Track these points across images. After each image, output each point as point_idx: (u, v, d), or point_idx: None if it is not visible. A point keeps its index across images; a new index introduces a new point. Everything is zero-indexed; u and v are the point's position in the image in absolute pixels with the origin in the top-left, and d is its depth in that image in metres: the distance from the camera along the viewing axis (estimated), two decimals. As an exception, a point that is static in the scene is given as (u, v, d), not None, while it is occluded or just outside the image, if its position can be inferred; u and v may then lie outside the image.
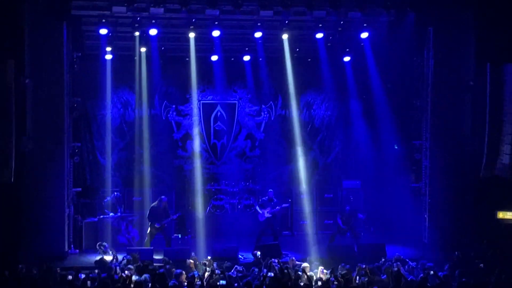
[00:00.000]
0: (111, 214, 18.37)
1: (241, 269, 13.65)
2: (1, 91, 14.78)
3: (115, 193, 19.02)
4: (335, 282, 12.01)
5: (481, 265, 13.32)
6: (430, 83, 17.41)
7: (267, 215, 17.48)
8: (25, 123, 15.81)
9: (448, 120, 17.35)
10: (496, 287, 11.48)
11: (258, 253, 15.40)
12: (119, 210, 18.65)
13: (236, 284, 12.28)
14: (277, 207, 17.58)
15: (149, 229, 17.12)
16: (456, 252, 14.98)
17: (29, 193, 16.08)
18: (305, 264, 13.76)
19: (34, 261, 14.43)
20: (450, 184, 17.27)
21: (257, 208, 17.80)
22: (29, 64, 16.00)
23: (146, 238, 17.08)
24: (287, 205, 18.42)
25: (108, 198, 18.76)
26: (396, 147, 19.53)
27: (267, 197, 17.83)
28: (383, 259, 14.58)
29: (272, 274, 12.62)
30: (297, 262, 14.51)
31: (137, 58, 19.13)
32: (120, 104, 20.31)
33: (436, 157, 17.54)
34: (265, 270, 13.23)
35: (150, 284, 11.85)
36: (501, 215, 16.75)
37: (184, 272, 12.98)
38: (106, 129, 19.92)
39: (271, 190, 18.19)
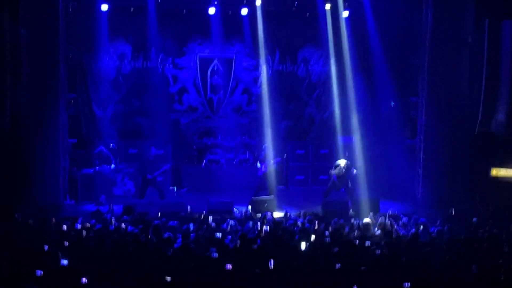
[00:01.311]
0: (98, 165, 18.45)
1: (233, 223, 13.76)
2: (-5, 40, 14.73)
3: (110, 144, 19.05)
4: (328, 236, 12.14)
5: (474, 219, 13.45)
6: (428, 39, 17.30)
7: (264, 169, 17.65)
8: (20, 73, 15.73)
9: (445, 77, 17.29)
10: (487, 242, 11.60)
11: (249, 207, 15.59)
12: (112, 162, 18.70)
13: (229, 237, 12.39)
14: (272, 161, 17.67)
15: (141, 182, 17.17)
16: (452, 208, 15.13)
17: (25, 143, 16.07)
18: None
19: (30, 211, 14.53)
20: (445, 141, 17.33)
21: (258, 164, 17.93)
22: (24, 14, 15.83)
23: (140, 191, 17.15)
24: (279, 159, 18.49)
25: (99, 149, 18.78)
26: (392, 104, 19.51)
27: (263, 152, 17.96)
28: (371, 213, 14.68)
29: (268, 228, 12.72)
30: (292, 217, 14.64)
31: (133, 9, 18.96)
32: (116, 56, 20.11)
33: (432, 114, 17.54)
34: (259, 224, 13.33)
35: (145, 235, 11.96)
36: (494, 171, 16.88)
37: (179, 224, 13.14)
38: (102, 81, 19.82)
39: (265, 145, 18.28)
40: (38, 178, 16.23)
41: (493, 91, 16.19)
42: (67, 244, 10.95)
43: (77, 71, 18.92)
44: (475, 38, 16.72)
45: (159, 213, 14.85)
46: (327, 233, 12.45)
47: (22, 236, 11.67)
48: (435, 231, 12.71)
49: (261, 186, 17.62)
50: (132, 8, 18.93)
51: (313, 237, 12.15)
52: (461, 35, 17.05)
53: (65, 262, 9.51)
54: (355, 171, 17.33)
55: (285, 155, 20.19)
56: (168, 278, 8.84)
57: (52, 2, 16.21)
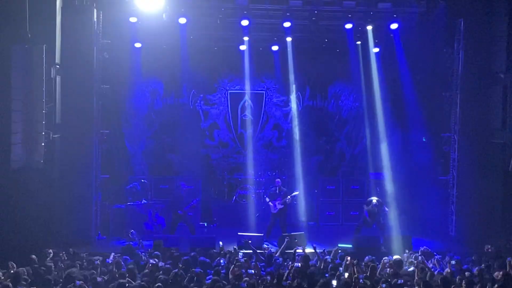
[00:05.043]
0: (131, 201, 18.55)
1: (263, 259, 13.70)
2: (31, 76, 14.97)
3: (142, 180, 19.17)
4: (361, 273, 11.97)
5: (508, 258, 13.18)
6: (460, 74, 17.29)
7: (279, 206, 17.33)
8: (54, 109, 15.97)
9: (478, 113, 17.22)
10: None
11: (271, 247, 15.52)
12: (143, 198, 18.79)
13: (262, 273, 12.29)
14: (288, 197, 17.39)
15: (172, 217, 17.21)
16: (490, 246, 14.87)
17: (58, 179, 16.25)
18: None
19: (63, 246, 14.62)
20: (478, 177, 17.15)
21: (267, 199, 17.61)
22: (59, 50, 16.14)
23: (171, 226, 17.17)
24: (297, 193, 18.28)
25: (131, 185, 18.89)
26: (424, 140, 19.38)
27: (275, 187, 17.66)
28: (406, 251, 14.49)
29: (299, 265, 12.58)
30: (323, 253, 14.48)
31: (165, 46, 19.22)
32: (148, 92, 20.44)
33: (465, 150, 17.42)
34: (289, 260, 13.24)
35: (175, 271, 11.93)
36: (529, 209, 16.62)
37: (209, 261, 13.09)
38: (134, 117, 20.07)
39: (279, 179, 18.09)
40: (71, 213, 16.37)
41: (526, 127, 16.02)
42: (100, 279, 10.99)
43: (110, 106, 19.14)
44: (507, 73, 16.62)
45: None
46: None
47: (54, 271, 11.74)
48: (472, 269, 12.47)
49: (274, 224, 17.37)
50: (164, 46, 19.18)
51: (346, 274, 12.01)
52: (493, 70, 16.99)
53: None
54: (386, 209, 17.13)
55: (315, 190, 20.13)
56: None
57: (86, 39, 16.52)
